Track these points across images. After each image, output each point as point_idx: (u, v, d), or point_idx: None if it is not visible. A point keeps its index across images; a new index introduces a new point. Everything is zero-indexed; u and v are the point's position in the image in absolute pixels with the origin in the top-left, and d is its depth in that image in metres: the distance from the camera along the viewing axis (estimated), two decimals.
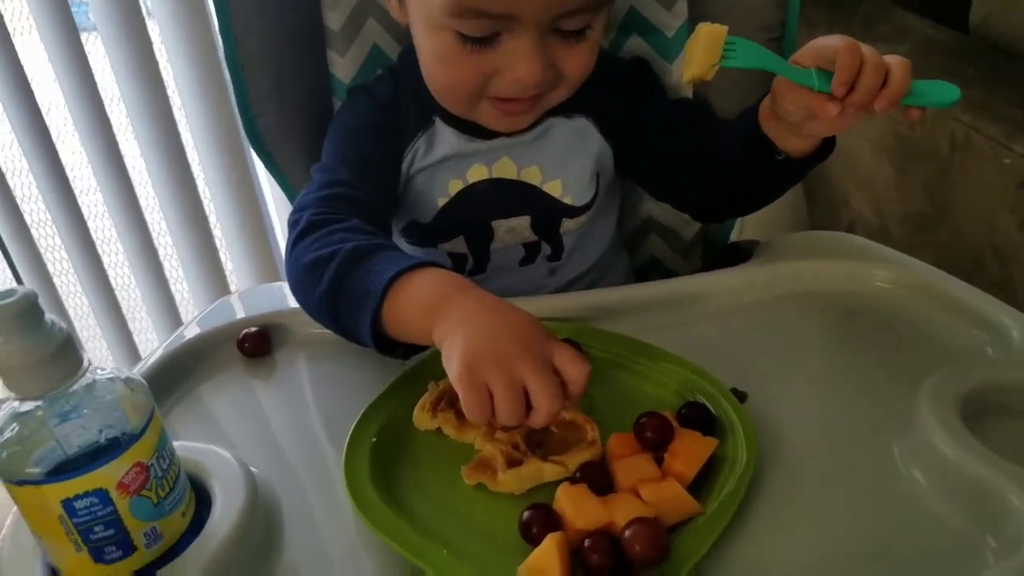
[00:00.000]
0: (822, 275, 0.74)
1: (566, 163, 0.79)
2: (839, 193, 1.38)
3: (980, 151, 1.15)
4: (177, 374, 0.66)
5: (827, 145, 0.68)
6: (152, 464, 0.45)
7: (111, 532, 0.44)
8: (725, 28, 0.60)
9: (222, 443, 0.55)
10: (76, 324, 1.66)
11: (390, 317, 0.58)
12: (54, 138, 1.36)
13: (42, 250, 1.53)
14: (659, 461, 0.53)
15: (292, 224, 0.67)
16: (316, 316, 0.64)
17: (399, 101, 0.78)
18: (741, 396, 0.60)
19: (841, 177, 1.37)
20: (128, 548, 0.45)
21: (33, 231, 1.50)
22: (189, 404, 0.64)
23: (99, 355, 1.69)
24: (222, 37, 0.78)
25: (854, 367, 0.65)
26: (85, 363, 0.43)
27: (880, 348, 0.66)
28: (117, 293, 1.58)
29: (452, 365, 0.52)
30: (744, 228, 0.98)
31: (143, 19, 1.29)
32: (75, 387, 0.43)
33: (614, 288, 0.75)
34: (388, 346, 0.60)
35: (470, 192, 0.78)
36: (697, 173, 0.77)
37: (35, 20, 1.26)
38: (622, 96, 0.80)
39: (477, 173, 0.78)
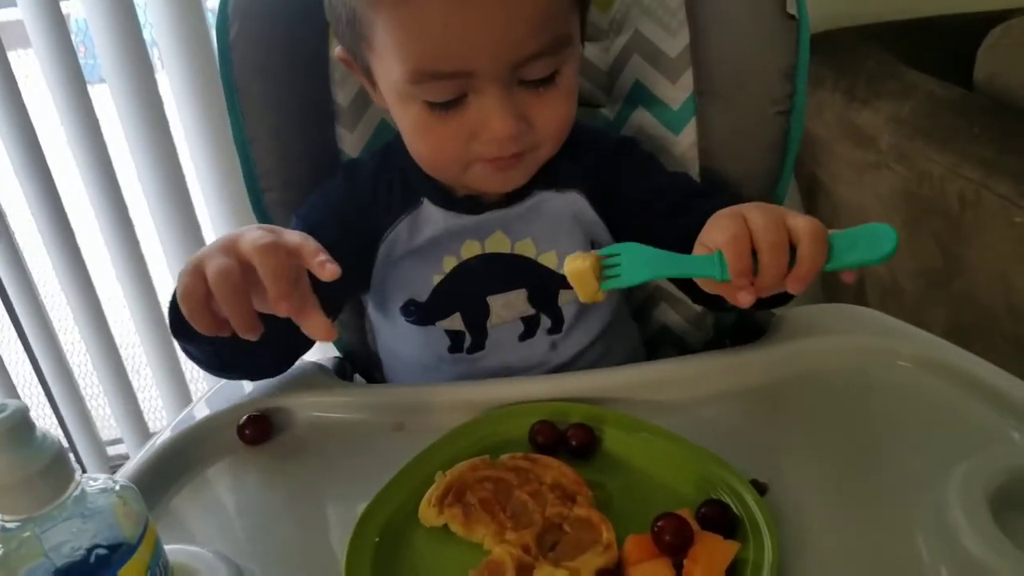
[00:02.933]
0: (841, 353, 0.71)
1: (559, 235, 0.77)
2: None
3: (991, 209, 1.14)
4: (172, 469, 0.64)
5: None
6: None
7: None
8: (589, 261, 0.57)
9: (216, 542, 0.53)
10: (88, 402, 1.64)
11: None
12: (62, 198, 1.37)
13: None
14: (678, 566, 0.50)
15: None
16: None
17: (379, 185, 0.76)
18: (761, 489, 0.58)
19: None
20: None
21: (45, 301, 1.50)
22: (184, 499, 0.62)
23: (108, 428, 1.67)
24: (230, 116, 0.78)
25: (878, 454, 0.62)
26: (77, 477, 0.41)
27: (903, 433, 0.64)
28: (126, 365, 1.56)
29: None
30: None
31: (152, 72, 1.29)
32: (67, 501, 0.41)
33: (621, 367, 0.72)
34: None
35: (464, 268, 0.76)
36: None
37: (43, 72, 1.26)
38: (609, 173, 0.78)
39: (471, 249, 0.76)
